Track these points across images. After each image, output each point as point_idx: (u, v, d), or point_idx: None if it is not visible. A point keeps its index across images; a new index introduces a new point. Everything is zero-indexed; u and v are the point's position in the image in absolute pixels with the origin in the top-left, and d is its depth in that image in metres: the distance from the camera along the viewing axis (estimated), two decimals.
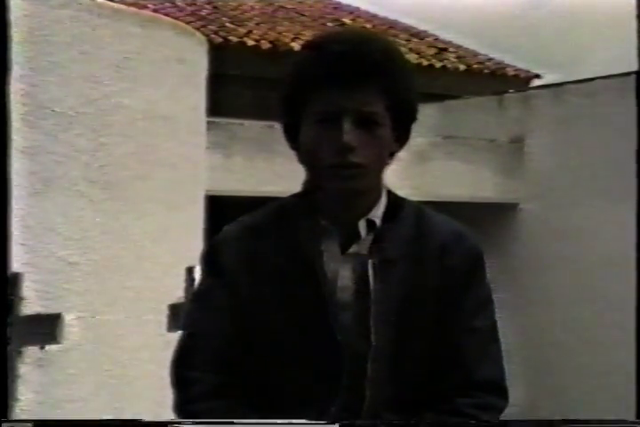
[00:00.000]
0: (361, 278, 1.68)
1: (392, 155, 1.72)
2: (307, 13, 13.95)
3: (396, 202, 1.75)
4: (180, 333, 1.79)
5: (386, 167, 1.71)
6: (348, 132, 1.61)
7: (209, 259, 1.76)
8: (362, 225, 1.70)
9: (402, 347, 1.67)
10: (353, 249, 1.70)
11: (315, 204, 1.72)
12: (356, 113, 1.62)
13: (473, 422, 1.67)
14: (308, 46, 1.74)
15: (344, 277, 1.69)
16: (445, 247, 1.71)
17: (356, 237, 1.70)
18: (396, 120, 1.67)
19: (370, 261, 1.68)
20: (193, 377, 1.70)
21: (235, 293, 1.69)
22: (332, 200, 1.69)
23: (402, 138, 1.72)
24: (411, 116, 1.72)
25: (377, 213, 1.71)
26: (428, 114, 7.48)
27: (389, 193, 1.76)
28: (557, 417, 1.67)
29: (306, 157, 1.68)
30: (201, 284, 1.78)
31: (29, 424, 1.60)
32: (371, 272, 1.67)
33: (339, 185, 1.64)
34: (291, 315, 1.67)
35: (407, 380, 1.68)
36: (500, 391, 1.73)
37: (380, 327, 1.66)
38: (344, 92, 1.62)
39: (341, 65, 1.61)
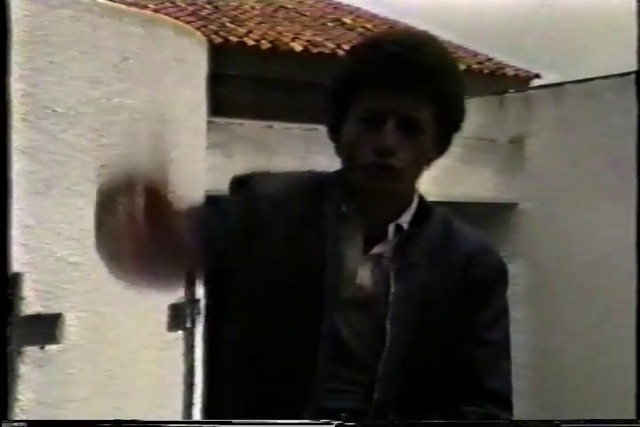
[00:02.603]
0: (381, 280, 1.68)
1: (429, 162, 1.72)
2: (307, 13, 13.94)
3: (425, 208, 1.75)
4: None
5: (421, 174, 1.71)
6: (391, 135, 1.60)
7: (244, 184, 1.76)
8: (391, 229, 1.69)
9: (414, 351, 1.67)
10: (376, 250, 1.69)
11: (341, 192, 1.71)
12: (401, 116, 1.62)
13: (473, 422, 1.68)
14: (364, 44, 1.74)
15: (363, 276, 1.68)
16: (471, 258, 1.72)
17: (382, 238, 1.69)
18: (441, 128, 1.67)
19: (392, 263, 1.68)
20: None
21: (255, 220, 1.67)
22: (361, 195, 1.68)
23: (442, 146, 1.72)
24: (456, 126, 1.72)
25: (406, 218, 1.72)
26: None
27: (421, 199, 1.77)
28: (557, 417, 1.67)
29: (344, 152, 1.68)
30: (226, 197, 1.76)
31: (29, 425, 1.59)
32: (392, 275, 1.67)
33: (371, 184, 1.64)
34: (291, 280, 1.65)
35: (415, 383, 1.68)
36: (506, 404, 1.74)
37: (396, 329, 1.65)
38: (394, 93, 1.61)
39: (395, 66, 1.61)
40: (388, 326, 1.65)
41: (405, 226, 1.70)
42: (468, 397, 1.69)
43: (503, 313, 1.77)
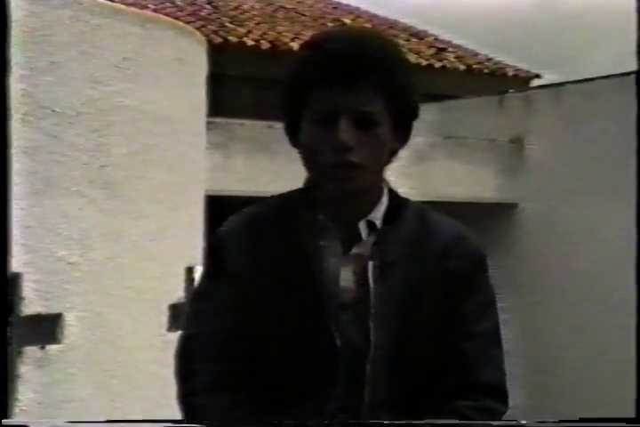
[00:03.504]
0: (362, 280, 1.67)
1: (393, 154, 1.70)
2: (307, 13, 13.95)
3: (398, 202, 1.74)
4: (183, 326, 1.78)
5: (386, 167, 1.70)
6: (346, 132, 1.60)
7: (212, 252, 1.76)
8: (362, 226, 1.69)
9: (401, 349, 1.66)
10: (355, 250, 1.69)
11: (315, 201, 1.71)
12: (353, 112, 1.61)
13: (473, 422, 1.67)
14: (306, 45, 1.72)
15: (346, 278, 1.68)
16: (447, 250, 1.70)
17: (357, 238, 1.69)
18: (396, 118, 1.66)
19: (370, 262, 1.67)
20: (196, 369, 1.69)
21: (237, 287, 1.69)
22: (332, 199, 1.68)
23: (403, 136, 1.71)
24: (411, 114, 1.70)
25: (377, 215, 1.70)
26: (428, 114, 7.48)
27: (391, 192, 1.75)
28: (557, 417, 1.67)
29: (305, 156, 1.68)
30: (204, 277, 1.77)
31: (29, 425, 1.59)
32: (371, 274, 1.66)
33: (336, 185, 1.63)
34: (290, 313, 1.66)
35: (406, 381, 1.68)
36: (501, 396, 1.72)
37: (380, 329, 1.65)
38: (341, 91, 1.60)
39: (338, 64, 1.60)
40: (371, 325, 1.65)
41: (378, 222, 1.69)
42: (460, 391, 1.67)
43: (488, 302, 1.74)
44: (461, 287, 1.70)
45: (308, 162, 1.67)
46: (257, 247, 1.70)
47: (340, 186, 1.63)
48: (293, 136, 1.71)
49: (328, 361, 1.64)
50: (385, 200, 1.72)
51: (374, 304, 1.65)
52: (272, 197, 1.80)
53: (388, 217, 1.71)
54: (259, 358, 1.68)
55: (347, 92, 1.61)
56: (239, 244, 1.71)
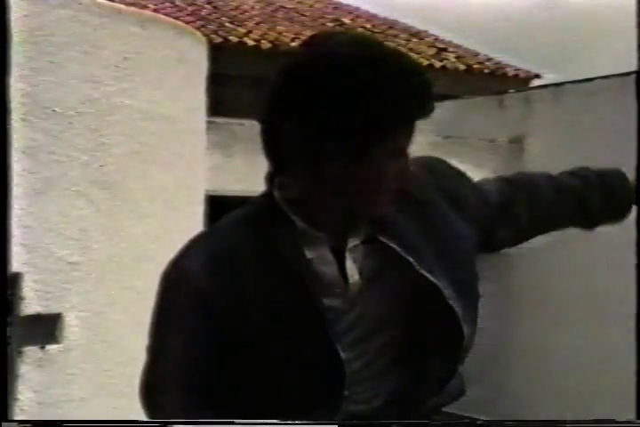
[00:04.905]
0: (370, 266, 1.65)
1: None
2: (307, 13, 13.95)
3: None
4: (149, 356, 1.70)
5: None
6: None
7: (184, 285, 1.63)
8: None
9: (398, 350, 1.66)
10: (351, 243, 1.64)
11: (289, 209, 1.62)
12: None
13: (477, 421, 1.67)
14: (397, 74, 1.59)
15: (353, 273, 1.65)
16: (428, 181, 1.71)
17: (349, 231, 1.64)
18: None
19: (366, 263, 1.66)
20: (165, 402, 1.63)
21: (218, 324, 1.58)
22: (332, 215, 1.62)
23: None
24: None
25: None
26: None
27: None
28: (557, 417, 1.67)
29: (366, 181, 1.57)
30: (164, 306, 1.65)
31: (29, 425, 1.59)
32: (366, 275, 1.65)
33: (381, 209, 1.61)
34: (283, 328, 1.59)
35: (408, 379, 1.68)
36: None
37: (375, 330, 1.64)
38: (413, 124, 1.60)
39: (429, 98, 1.60)
40: (366, 325, 1.62)
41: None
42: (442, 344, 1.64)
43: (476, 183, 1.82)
44: (462, 194, 1.74)
45: (371, 184, 1.58)
46: (239, 277, 1.59)
47: (381, 210, 1.61)
48: (350, 162, 1.56)
49: (330, 375, 1.60)
50: None
51: (373, 306, 1.64)
52: (232, 214, 1.68)
53: None
54: (252, 383, 1.62)
55: (414, 126, 1.61)
56: (216, 275, 1.59)
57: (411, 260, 1.61)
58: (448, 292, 1.61)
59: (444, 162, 1.81)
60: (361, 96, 1.51)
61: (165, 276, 1.66)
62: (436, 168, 1.77)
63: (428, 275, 1.61)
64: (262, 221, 1.62)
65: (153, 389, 1.68)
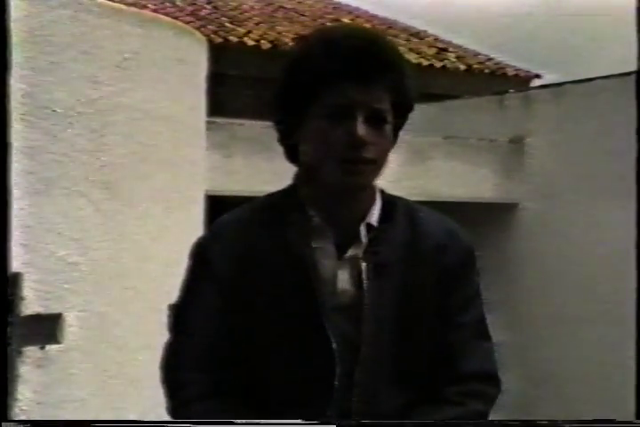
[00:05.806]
0: (357, 282, 1.67)
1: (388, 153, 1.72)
2: (306, 13, 13.95)
3: (389, 202, 1.74)
4: (169, 334, 1.77)
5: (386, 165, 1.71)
6: (362, 128, 1.59)
7: (197, 257, 1.73)
8: (362, 230, 1.68)
9: (397, 350, 1.66)
10: (351, 252, 1.68)
11: (307, 201, 1.69)
12: (368, 109, 1.61)
13: (472, 422, 1.67)
14: (319, 40, 1.70)
15: (343, 280, 1.67)
16: (440, 247, 1.71)
17: (354, 240, 1.68)
18: (396, 118, 1.67)
19: (364, 264, 1.66)
20: (186, 379, 1.67)
21: (225, 291, 1.67)
22: (330, 198, 1.67)
23: (396, 136, 1.72)
24: (407, 116, 1.72)
25: (374, 218, 1.70)
26: (428, 114, 7.48)
27: (382, 192, 1.75)
28: (557, 417, 1.67)
29: (311, 152, 1.65)
30: (189, 283, 1.75)
31: (29, 425, 1.59)
32: (365, 275, 1.66)
33: (347, 180, 1.62)
34: (284, 316, 1.64)
35: (403, 381, 1.68)
36: (489, 380, 1.72)
37: (372, 331, 1.65)
38: (359, 87, 1.60)
39: (359, 60, 1.59)
40: (364, 326, 1.63)
41: (374, 223, 1.68)
42: (447, 380, 1.67)
43: (474, 294, 1.75)
44: (450, 282, 1.71)
45: (315, 157, 1.64)
46: (244, 252, 1.68)
47: (350, 181, 1.62)
48: (289, 132, 1.68)
49: (324, 363, 1.63)
50: (378, 202, 1.72)
51: (369, 306, 1.65)
52: (256, 200, 1.78)
53: (381, 217, 1.71)
54: (252, 364, 1.66)
55: (363, 88, 1.60)
56: (225, 248, 1.69)
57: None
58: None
59: (471, 251, 1.77)
60: (295, 71, 1.65)
61: (189, 251, 1.77)
62: (450, 247, 1.74)
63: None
64: (281, 207, 1.71)
65: (170, 366, 1.73)
